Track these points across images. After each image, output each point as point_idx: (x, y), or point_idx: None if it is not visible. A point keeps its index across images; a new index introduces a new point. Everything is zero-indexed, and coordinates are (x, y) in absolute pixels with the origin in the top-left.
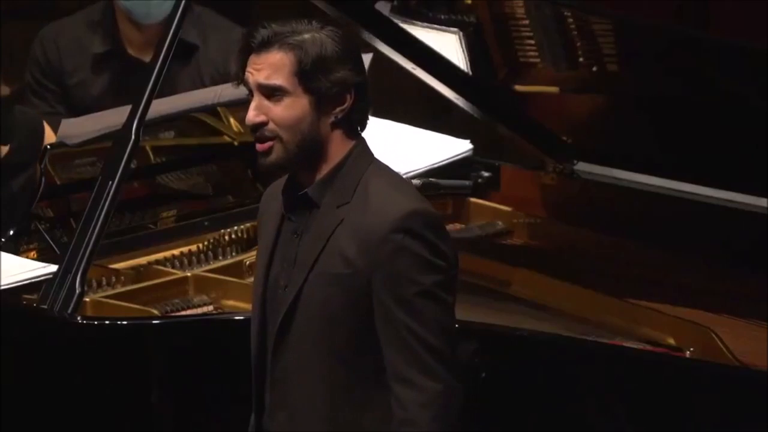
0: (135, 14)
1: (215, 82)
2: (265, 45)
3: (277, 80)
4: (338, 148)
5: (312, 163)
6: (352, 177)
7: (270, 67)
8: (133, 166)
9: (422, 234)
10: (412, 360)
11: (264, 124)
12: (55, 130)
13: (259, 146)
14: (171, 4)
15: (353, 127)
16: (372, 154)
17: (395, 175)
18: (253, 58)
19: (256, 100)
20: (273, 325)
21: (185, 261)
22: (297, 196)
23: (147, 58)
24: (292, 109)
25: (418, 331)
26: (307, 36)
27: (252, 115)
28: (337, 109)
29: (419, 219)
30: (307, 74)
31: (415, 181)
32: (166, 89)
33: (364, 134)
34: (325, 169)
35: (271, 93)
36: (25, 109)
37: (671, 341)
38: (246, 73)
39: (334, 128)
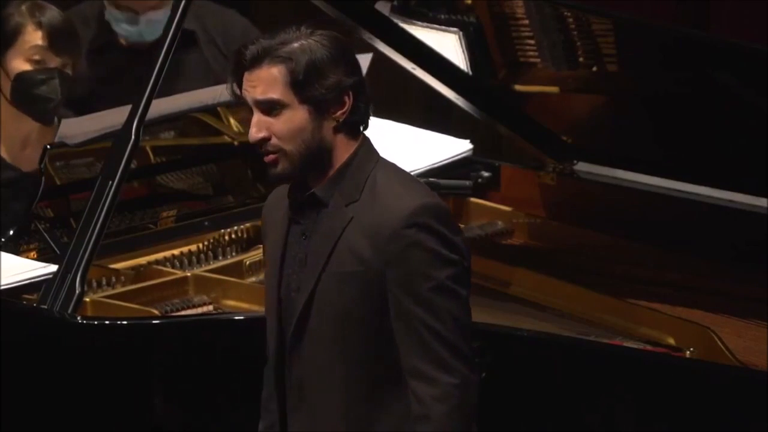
0: (128, 37)
1: (219, 63)
2: (257, 61)
3: (273, 94)
4: (343, 149)
5: (319, 167)
6: (360, 175)
7: (264, 82)
8: (133, 166)
9: (434, 228)
10: (428, 355)
11: (267, 139)
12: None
13: (265, 158)
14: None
15: (356, 126)
16: (377, 152)
17: (402, 172)
18: (247, 76)
19: (256, 117)
20: (289, 328)
21: (185, 261)
22: (304, 197)
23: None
24: (291, 121)
25: (434, 325)
26: (296, 45)
27: (254, 132)
28: (338, 113)
29: (430, 213)
30: (301, 84)
31: None
32: (172, 78)
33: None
34: (331, 170)
35: (270, 108)
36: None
37: (671, 341)
38: (242, 91)
39: (337, 132)
